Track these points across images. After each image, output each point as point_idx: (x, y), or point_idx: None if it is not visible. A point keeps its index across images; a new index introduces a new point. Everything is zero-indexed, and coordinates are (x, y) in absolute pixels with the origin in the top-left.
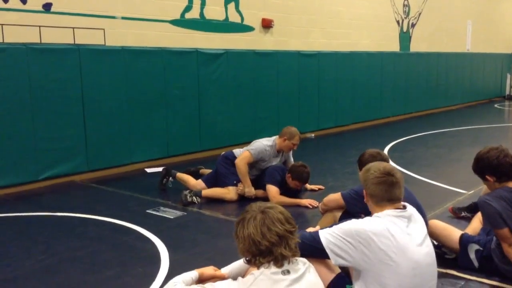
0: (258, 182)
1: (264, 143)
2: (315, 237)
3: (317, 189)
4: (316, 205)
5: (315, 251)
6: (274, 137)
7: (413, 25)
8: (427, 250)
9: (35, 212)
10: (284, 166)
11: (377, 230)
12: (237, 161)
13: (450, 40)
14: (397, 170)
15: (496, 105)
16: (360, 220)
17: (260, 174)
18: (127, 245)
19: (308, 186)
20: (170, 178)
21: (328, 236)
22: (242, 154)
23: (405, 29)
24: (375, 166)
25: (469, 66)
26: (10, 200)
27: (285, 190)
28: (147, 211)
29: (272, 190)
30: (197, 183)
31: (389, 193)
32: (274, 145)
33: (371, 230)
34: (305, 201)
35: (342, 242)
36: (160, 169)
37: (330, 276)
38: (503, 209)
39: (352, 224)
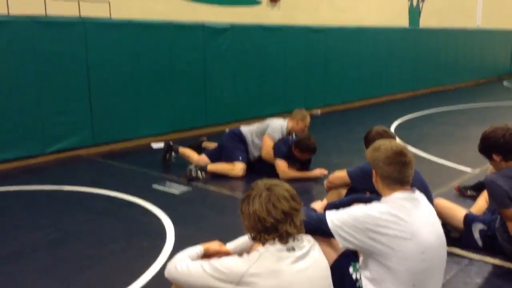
0: (262, 162)
1: (279, 123)
2: (322, 219)
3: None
4: (325, 173)
5: (321, 232)
6: (285, 120)
7: (423, 0)
8: (437, 233)
9: (41, 185)
10: (287, 138)
11: (385, 216)
12: (266, 156)
13: (460, 15)
14: (408, 150)
15: (504, 82)
16: (368, 206)
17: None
18: (133, 219)
19: None
20: (173, 153)
21: (335, 221)
22: (265, 145)
23: (415, 4)
24: (385, 145)
25: (478, 42)
26: (16, 174)
27: (293, 161)
28: (153, 186)
29: (281, 165)
30: (200, 158)
31: (402, 174)
32: (286, 126)
33: (379, 217)
34: (316, 172)
35: (349, 228)
36: None
37: (335, 255)
38: (510, 189)
39: (360, 210)
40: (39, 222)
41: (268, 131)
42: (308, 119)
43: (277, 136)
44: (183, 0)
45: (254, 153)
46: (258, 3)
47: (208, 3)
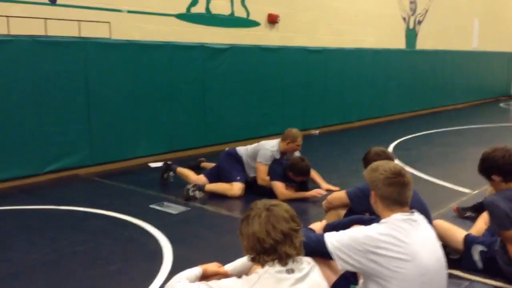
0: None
1: (269, 149)
2: (321, 240)
3: (334, 189)
4: (323, 193)
5: (320, 254)
6: (276, 140)
7: (419, 22)
8: (437, 255)
9: (39, 205)
10: (281, 159)
11: (385, 238)
12: (262, 183)
13: (456, 38)
14: (406, 170)
15: (501, 104)
16: (367, 227)
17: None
18: (130, 240)
19: (324, 185)
20: (171, 173)
21: (335, 242)
22: (260, 172)
23: (411, 26)
24: (383, 166)
25: (475, 64)
26: (14, 193)
27: (290, 181)
28: (151, 206)
29: (278, 186)
30: (198, 179)
31: (401, 195)
32: (278, 149)
33: (379, 238)
34: (313, 192)
35: (348, 250)
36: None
37: (334, 277)
38: (510, 210)
39: (359, 232)
40: (35, 242)
41: (259, 159)
42: (299, 139)
43: (269, 162)
44: (182, 21)
45: (250, 174)
46: (257, 24)
47: (207, 24)
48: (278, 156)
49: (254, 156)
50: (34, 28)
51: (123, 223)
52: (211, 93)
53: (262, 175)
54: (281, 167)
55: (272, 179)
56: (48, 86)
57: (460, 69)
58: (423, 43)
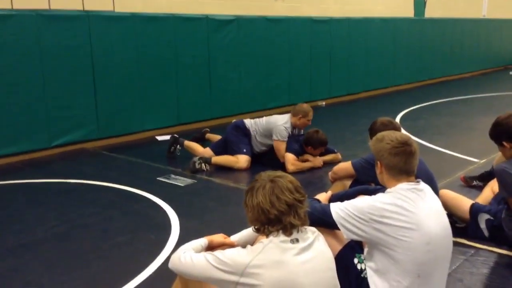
0: (266, 156)
1: (283, 125)
2: (326, 210)
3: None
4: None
5: (325, 224)
6: (286, 116)
7: None
8: (443, 224)
9: (47, 179)
10: (297, 135)
11: (390, 207)
12: (283, 160)
13: (465, 5)
14: (412, 140)
15: (511, 72)
16: (372, 197)
17: (268, 150)
18: (138, 212)
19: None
20: (178, 146)
21: (340, 211)
22: (280, 151)
23: None
24: (389, 136)
25: (484, 32)
26: (22, 167)
27: (304, 154)
28: (158, 178)
29: (289, 158)
30: (205, 151)
31: (408, 164)
32: (290, 125)
33: (384, 207)
34: (315, 162)
35: (353, 219)
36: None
37: (339, 247)
38: None
39: (365, 201)
40: (44, 215)
41: (276, 137)
42: (310, 114)
43: (286, 138)
44: None
45: (257, 148)
46: None
47: None
48: (290, 132)
49: (264, 133)
50: (37, 2)
51: (130, 195)
52: (216, 65)
53: (283, 153)
54: (298, 143)
55: (286, 151)
56: (53, 60)
57: (469, 37)
58: (432, 11)
